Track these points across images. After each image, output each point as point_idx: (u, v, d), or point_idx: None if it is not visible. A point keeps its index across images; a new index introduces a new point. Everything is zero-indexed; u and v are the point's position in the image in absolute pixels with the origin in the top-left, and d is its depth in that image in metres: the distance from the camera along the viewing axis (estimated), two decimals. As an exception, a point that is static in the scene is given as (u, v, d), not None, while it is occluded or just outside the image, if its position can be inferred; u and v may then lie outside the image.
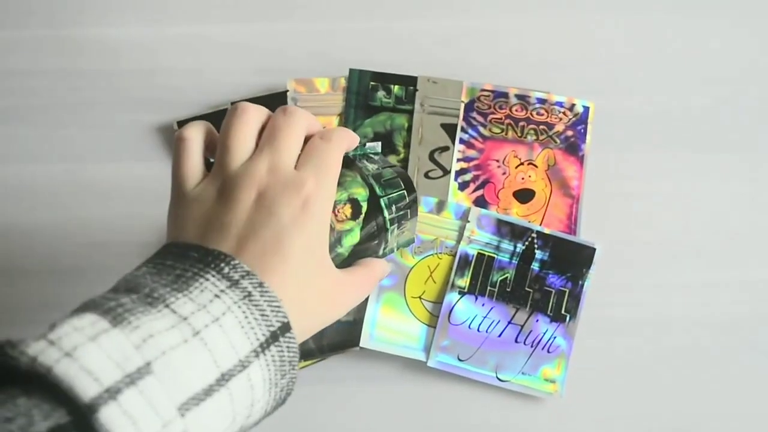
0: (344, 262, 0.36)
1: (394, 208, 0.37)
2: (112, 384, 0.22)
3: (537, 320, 0.49)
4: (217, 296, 0.26)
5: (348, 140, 0.35)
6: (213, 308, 0.26)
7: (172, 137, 0.51)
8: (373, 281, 0.36)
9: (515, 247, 0.50)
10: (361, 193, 0.36)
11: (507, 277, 0.50)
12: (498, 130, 0.51)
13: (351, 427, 0.50)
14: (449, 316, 0.49)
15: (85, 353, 0.22)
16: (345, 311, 0.34)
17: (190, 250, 0.28)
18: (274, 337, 0.27)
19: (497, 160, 0.51)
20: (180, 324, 0.25)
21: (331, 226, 0.34)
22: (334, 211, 0.34)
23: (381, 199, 0.36)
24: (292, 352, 0.28)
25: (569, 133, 0.52)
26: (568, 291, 0.50)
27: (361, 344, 0.49)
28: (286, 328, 0.28)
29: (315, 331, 0.32)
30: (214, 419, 0.24)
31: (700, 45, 0.54)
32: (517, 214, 0.51)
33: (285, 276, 0.29)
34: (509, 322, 0.49)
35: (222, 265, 0.27)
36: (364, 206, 0.35)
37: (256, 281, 0.28)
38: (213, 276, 0.27)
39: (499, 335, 0.49)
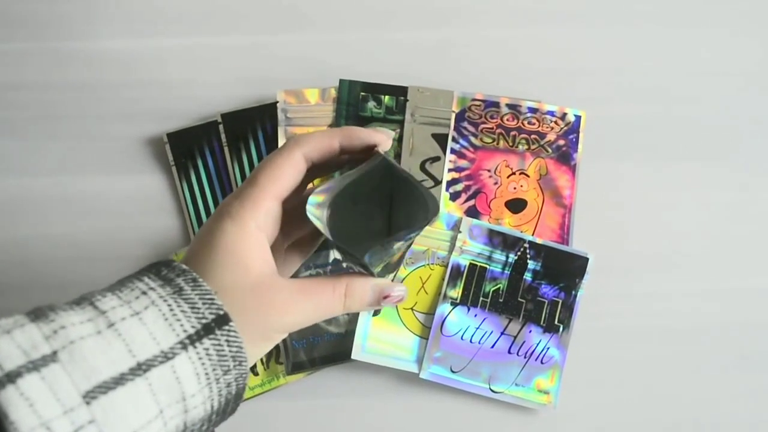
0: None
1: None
2: (13, 369, 0.23)
3: (530, 331, 0.49)
4: (144, 293, 0.27)
5: (294, 150, 0.31)
6: (136, 304, 0.26)
7: (161, 149, 0.50)
8: (333, 296, 0.32)
9: (507, 257, 0.49)
10: None
11: (499, 288, 0.49)
12: (489, 140, 0.51)
13: (343, 440, 0.49)
14: (441, 328, 0.49)
15: None
16: (287, 316, 0.31)
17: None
18: (207, 330, 0.27)
19: (489, 170, 0.51)
20: (97, 318, 0.25)
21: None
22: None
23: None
24: (234, 347, 0.28)
25: (561, 142, 0.51)
26: (561, 301, 0.49)
27: (353, 356, 0.48)
28: (222, 320, 0.27)
29: (258, 334, 0.30)
30: (130, 409, 0.24)
31: (690, 55, 0.54)
32: (509, 224, 0.51)
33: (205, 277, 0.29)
34: (502, 333, 0.49)
35: (162, 267, 0.28)
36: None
37: (189, 277, 0.28)
38: (149, 278, 0.28)
39: (492, 346, 0.49)
